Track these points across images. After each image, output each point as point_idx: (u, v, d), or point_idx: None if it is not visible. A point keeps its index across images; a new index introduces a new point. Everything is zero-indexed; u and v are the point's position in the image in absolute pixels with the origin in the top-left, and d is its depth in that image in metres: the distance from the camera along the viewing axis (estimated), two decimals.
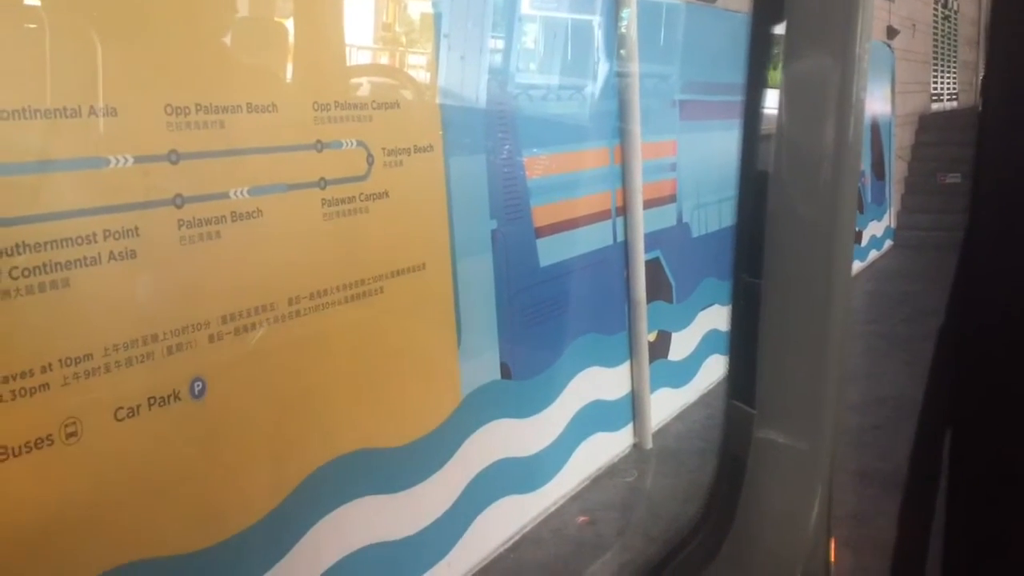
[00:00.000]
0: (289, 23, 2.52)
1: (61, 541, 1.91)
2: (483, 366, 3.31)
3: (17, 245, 1.79)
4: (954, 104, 13.60)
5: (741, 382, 1.13)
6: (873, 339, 5.95)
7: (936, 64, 12.68)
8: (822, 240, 1.04)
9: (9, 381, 1.79)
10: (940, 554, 0.92)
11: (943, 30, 13.03)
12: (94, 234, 1.94)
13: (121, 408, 2.01)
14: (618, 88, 4.11)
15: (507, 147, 3.44)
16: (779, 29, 1.05)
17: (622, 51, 4.09)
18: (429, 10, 3.03)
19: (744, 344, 1.11)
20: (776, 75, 1.07)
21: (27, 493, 1.84)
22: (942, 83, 13.09)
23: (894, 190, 9.72)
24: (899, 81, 9.62)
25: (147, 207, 2.06)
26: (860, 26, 1.00)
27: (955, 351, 0.93)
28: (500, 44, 3.47)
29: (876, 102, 8.72)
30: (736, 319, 1.14)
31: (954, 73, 13.77)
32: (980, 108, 1.02)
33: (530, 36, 3.76)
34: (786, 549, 1.10)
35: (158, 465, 2.12)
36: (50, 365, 1.86)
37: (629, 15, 4.03)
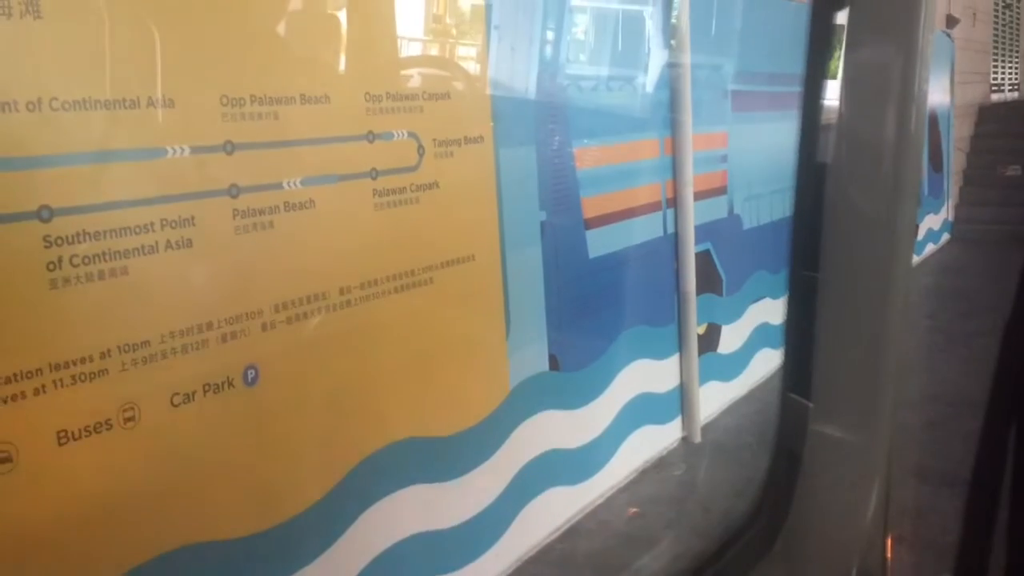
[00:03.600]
0: (342, 15, 2.54)
1: (119, 523, 1.95)
2: (531, 357, 3.31)
3: (78, 234, 1.83)
4: (1015, 94, 13.26)
5: (797, 375, 1.12)
6: (929, 334, 5.83)
7: (997, 53, 12.37)
8: (882, 233, 1.02)
9: (70, 366, 1.83)
10: (1004, 552, 0.91)
11: (1004, 18, 12.70)
12: (152, 223, 1.98)
13: (177, 394, 2.05)
14: (669, 79, 4.08)
15: (557, 138, 3.43)
16: (841, 18, 1.03)
17: (673, 41, 4.05)
18: (480, 1, 3.03)
19: (800, 337, 1.10)
20: (836, 65, 1.05)
21: (87, 476, 1.88)
22: (1003, 73, 12.76)
23: (952, 182, 9.51)
24: (958, 71, 9.40)
25: (203, 197, 2.09)
26: (924, 15, 0.98)
27: (1021, 347, 0.90)
28: (550, 35, 3.45)
29: (935, 92, 8.53)
30: (793, 311, 1.13)
31: (1016, 63, 13.42)
32: None
33: (580, 27, 3.74)
34: (842, 544, 1.08)
35: (212, 450, 2.16)
36: (109, 351, 1.90)
37: (681, 4, 3.99)
